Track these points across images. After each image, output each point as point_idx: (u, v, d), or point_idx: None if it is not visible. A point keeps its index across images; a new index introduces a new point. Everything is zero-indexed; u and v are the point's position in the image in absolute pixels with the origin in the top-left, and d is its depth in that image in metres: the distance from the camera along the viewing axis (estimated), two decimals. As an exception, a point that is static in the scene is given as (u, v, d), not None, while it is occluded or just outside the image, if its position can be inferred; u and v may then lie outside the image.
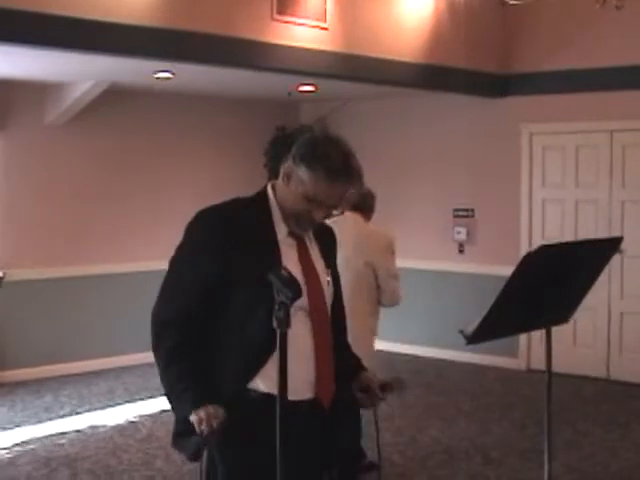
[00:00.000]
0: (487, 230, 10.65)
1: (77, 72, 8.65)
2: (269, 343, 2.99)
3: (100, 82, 9.16)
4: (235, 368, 3.20)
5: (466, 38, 9.79)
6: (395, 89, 10.02)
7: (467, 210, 10.84)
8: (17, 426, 8.06)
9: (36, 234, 9.79)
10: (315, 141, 3.30)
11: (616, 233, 9.48)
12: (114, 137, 10.35)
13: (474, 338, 3.82)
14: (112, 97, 9.80)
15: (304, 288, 3.11)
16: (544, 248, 3.78)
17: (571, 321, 10.24)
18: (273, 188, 3.37)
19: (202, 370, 3.21)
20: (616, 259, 9.62)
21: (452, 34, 9.62)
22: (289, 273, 2.81)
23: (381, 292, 6.20)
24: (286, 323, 2.73)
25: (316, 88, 9.87)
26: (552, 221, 10.17)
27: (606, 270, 10.51)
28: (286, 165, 3.29)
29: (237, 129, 11.50)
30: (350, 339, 3.59)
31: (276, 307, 2.76)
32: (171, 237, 11.96)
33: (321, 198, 3.21)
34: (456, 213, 10.90)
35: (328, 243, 3.49)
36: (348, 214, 6.30)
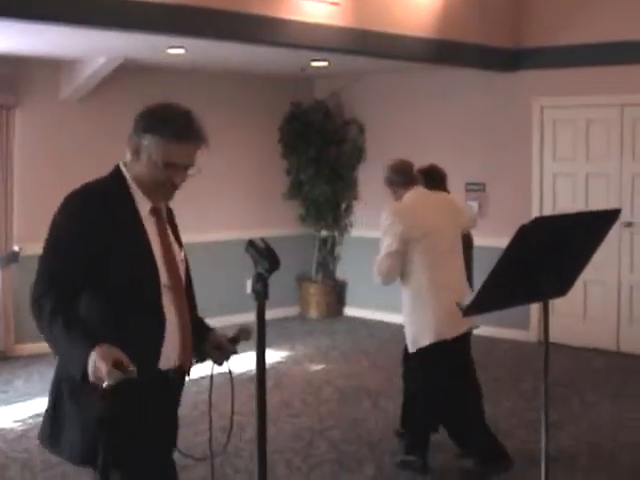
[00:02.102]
0: (499, 204, 10.63)
1: (91, 48, 8.65)
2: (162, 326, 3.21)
3: (113, 58, 9.17)
4: (140, 351, 3.10)
5: (478, 13, 9.75)
6: (407, 64, 10.00)
7: (479, 184, 10.81)
8: (32, 398, 8.11)
9: (51, 209, 9.72)
10: (153, 110, 3.34)
11: (627, 207, 9.47)
12: (128, 113, 10.23)
13: (470, 310, 3.83)
14: (126, 73, 9.81)
15: (164, 266, 3.26)
16: (539, 220, 3.76)
17: (581, 294, 10.27)
18: (125, 167, 3.35)
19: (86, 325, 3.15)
20: (626, 232, 9.60)
21: (464, 9, 9.58)
22: (266, 244, 2.75)
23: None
24: (264, 294, 2.67)
25: (329, 63, 9.85)
26: (563, 195, 10.15)
27: (616, 243, 10.55)
28: (131, 142, 3.29)
29: (251, 105, 11.49)
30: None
31: (254, 279, 2.70)
32: (185, 212, 12.05)
33: (176, 160, 3.24)
34: (468, 187, 10.87)
35: (174, 222, 3.53)
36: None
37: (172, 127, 3.23)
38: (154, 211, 3.34)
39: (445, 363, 6.10)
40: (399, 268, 6.03)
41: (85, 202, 3.32)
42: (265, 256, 2.62)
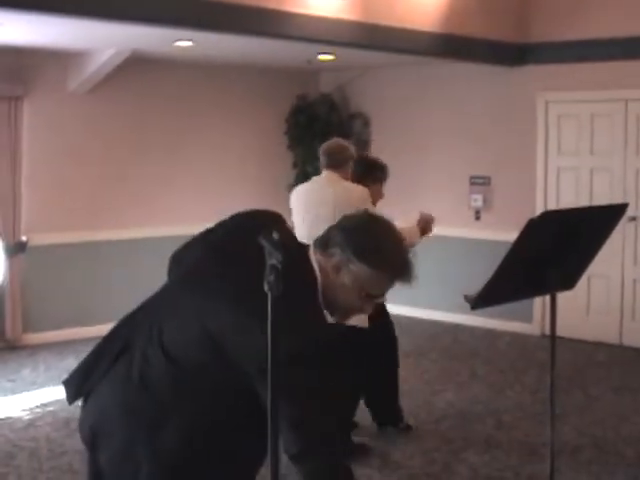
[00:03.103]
0: (503, 197, 10.62)
1: (99, 40, 8.63)
2: None
3: (122, 50, 9.15)
4: None
5: (483, 7, 9.72)
6: (413, 58, 9.98)
7: (484, 178, 10.80)
8: (39, 388, 8.12)
9: (59, 200, 9.81)
10: (370, 233, 2.90)
11: (631, 201, 9.43)
12: (136, 105, 10.34)
13: (477, 303, 3.82)
14: (134, 65, 9.79)
15: None
16: (547, 214, 3.75)
17: (585, 288, 10.26)
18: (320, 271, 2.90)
19: None
20: (630, 226, 9.58)
21: (470, 3, 9.55)
22: (281, 236, 2.69)
23: None
24: (277, 287, 2.64)
25: (335, 57, 9.82)
26: (567, 189, 10.13)
27: (620, 237, 10.53)
28: (336, 254, 2.85)
29: (257, 97, 11.47)
30: None
31: (267, 271, 2.65)
32: (192, 203, 12.03)
33: (378, 294, 2.94)
34: (473, 180, 10.86)
35: None
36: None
37: (393, 267, 2.88)
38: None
39: None
40: None
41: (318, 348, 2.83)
42: (279, 248, 2.60)
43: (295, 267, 2.57)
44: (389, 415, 6.84)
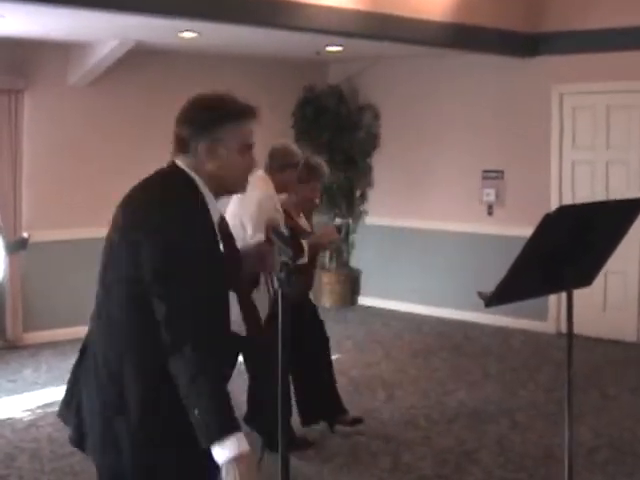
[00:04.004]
0: (516, 192, 10.59)
1: (101, 31, 8.61)
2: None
3: (124, 41, 9.13)
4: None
5: (496, -4, 9.71)
6: (423, 49, 9.95)
7: (496, 171, 10.77)
8: (41, 387, 8.12)
9: (61, 196, 9.81)
10: (205, 103, 3.28)
11: (647, 195, 9.41)
12: (139, 99, 10.32)
13: (492, 300, 3.80)
14: (137, 57, 9.77)
15: None
16: (563, 209, 3.73)
17: (601, 284, 10.21)
18: (195, 172, 3.19)
19: None
20: (647, 221, 9.52)
21: (481, -8, 9.53)
22: (290, 232, 2.72)
23: None
24: (288, 283, 2.64)
25: (343, 48, 9.81)
26: (582, 183, 10.09)
27: (637, 232, 10.43)
28: (200, 145, 3.15)
29: (264, 89, 11.42)
30: None
31: (278, 268, 2.66)
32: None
33: (250, 140, 3.23)
34: (485, 174, 10.84)
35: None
36: None
37: (235, 109, 3.21)
38: (223, 220, 3.34)
39: None
40: None
41: (192, 215, 3.16)
42: (290, 244, 2.60)
43: (159, 186, 3.21)
44: (332, 409, 6.79)
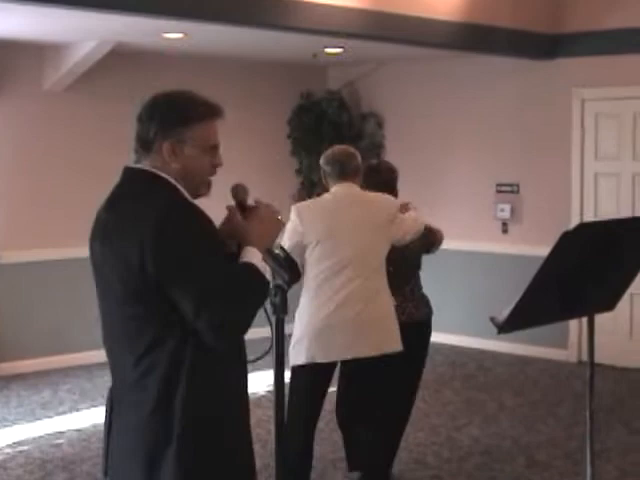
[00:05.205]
0: (534, 207, 10.60)
1: (79, 31, 8.64)
2: None
3: (104, 42, 9.16)
4: None
5: (511, -7, 9.75)
6: (431, 51, 9.98)
7: (512, 185, 10.79)
8: (10, 425, 8.09)
9: (35, 212, 9.81)
10: (168, 102, 3.47)
11: (678, 211, 9.43)
12: (120, 104, 10.31)
13: (506, 326, 3.80)
14: (118, 59, 9.80)
15: None
16: (583, 227, 3.74)
17: (627, 308, 10.21)
18: (162, 172, 3.35)
19: None
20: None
21: (495, -11, 9.57)
22: (286, 254, 2.74)
23: None
24: (283, 308, 2.66)
25: (344, 50, 9.83)
26: (606, 197, 10.11)
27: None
28: (164, 144, 3.31)
29: (257, 95, 11.47)
30: None
31: (272, 291, 2.68)
32: (182, 215, 11.56)
33: (215, 140, 3.46)
34: (499, 188, 10.85)
35: None
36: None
37: (201, 108, 3.39)
38: None
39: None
40: None
41: (192, 210, 3.35)
42: (285, 267, 2.60)
43: (141, 191, 3.27)
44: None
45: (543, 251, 3.67)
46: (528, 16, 9.98)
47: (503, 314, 3.75)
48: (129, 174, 3.38)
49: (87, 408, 8.52)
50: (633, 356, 9.88)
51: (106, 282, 3.31)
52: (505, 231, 10.83)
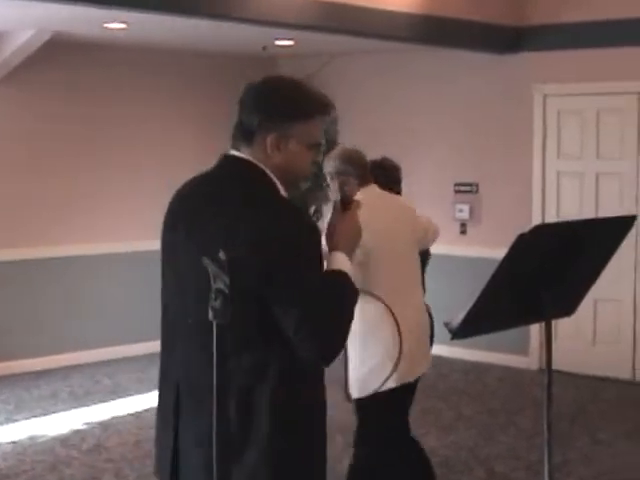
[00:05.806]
0: (493, 208, 10.64)
1: (13, 19, 8.58)
2: None
3: (41, 32, 9.10)
4: None
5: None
6: (388, 44, 9.97)
7: (470, 184, 10.82)
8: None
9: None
10: (281, 91, 3.41)
11: (643, 211, 9.49)
12: (58, 97, 10.26)
13: (460, 332, 3.81)
14: (56, 50, 9.73)
15: None
16: (540, 228, 3.75)
17: (590, 314, 10.24)
18: (260, 164, 3.30)
19: None
20: (643, 243, 9.61)
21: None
22: (229, 256, 2.71)
23: None
24: (224, 314, 2.64)
25: (295, 42, 9.82)
26: (569, 198, 10.16)
27: (632, 255, 10.50)
28: (267, 139, 3.25)
29: (201, 88, 11.42)
30: None
31: (212, 295, 2.67)
32: (134, 212, 11.91)
33: (320, 138, 3.39)
34: (457, 188, 10.88)
35: None
36: None
37: (312, 103, 3.34)
38: None
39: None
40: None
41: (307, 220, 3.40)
42: (226, 270, 2.59)
43: (241, 182, 3.24)
44: None
45: (502, 253, 3.68)
46: (488, 8, 10.00)
47: (457, 319, 3.75)
48: (230, 163, 3.34)
49: (24, 419, 8.46)
50: (596, 363, 9.93)
51: (183, 274, 3.26)
52: (463, 232, 10.86)
